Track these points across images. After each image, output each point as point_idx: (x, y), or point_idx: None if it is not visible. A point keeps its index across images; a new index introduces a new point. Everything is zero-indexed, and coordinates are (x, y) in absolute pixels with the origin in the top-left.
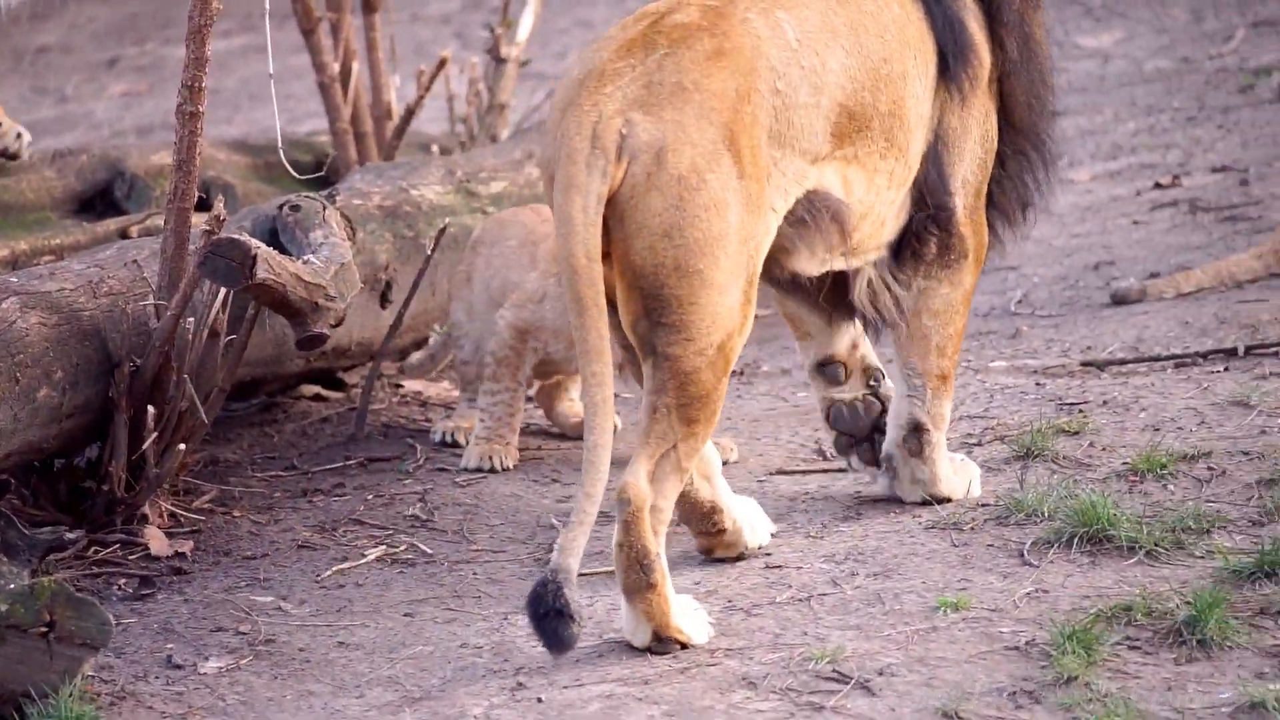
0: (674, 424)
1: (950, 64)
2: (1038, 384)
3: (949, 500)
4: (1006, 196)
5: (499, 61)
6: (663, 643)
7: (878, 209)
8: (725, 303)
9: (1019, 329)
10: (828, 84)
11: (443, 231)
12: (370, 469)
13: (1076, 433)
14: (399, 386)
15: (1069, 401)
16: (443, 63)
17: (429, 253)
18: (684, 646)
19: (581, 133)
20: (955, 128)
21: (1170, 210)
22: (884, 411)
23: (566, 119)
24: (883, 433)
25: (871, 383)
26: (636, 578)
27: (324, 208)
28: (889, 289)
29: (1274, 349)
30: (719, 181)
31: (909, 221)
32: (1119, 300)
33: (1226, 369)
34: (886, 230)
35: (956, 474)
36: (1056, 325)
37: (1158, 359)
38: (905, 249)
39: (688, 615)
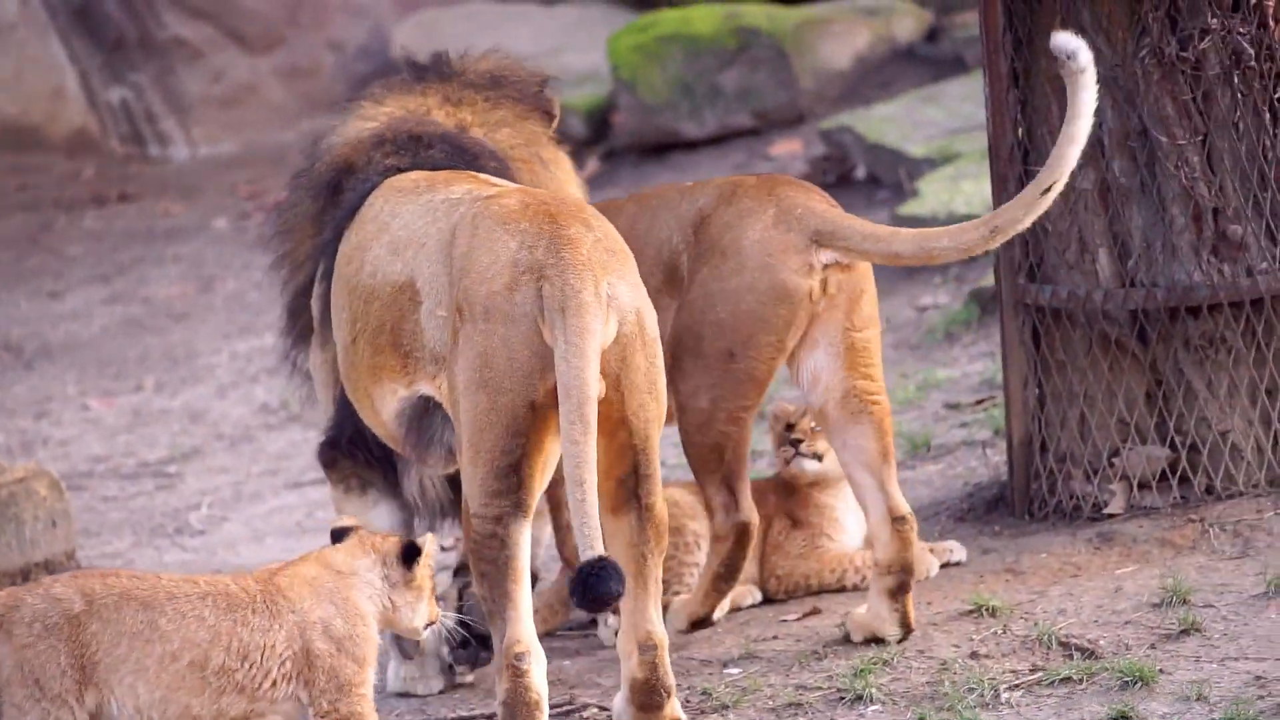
0: (658, 566)
1: None
2: None
3: None
4: None
5: None
6: None
7: None
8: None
9: None
10: None
11: None
12: None
13: None
14: None
15: None
16: None
17: None
18: None
19: (587, 287)
20: None
21: None
22: None
23: (563, 273)
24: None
25: None
26: (659, 699)
27: None
28: None
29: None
30: (660, 342)
31: None
32: None
33: None
34: None
35: None
36: None
37: None
38: None
39: None
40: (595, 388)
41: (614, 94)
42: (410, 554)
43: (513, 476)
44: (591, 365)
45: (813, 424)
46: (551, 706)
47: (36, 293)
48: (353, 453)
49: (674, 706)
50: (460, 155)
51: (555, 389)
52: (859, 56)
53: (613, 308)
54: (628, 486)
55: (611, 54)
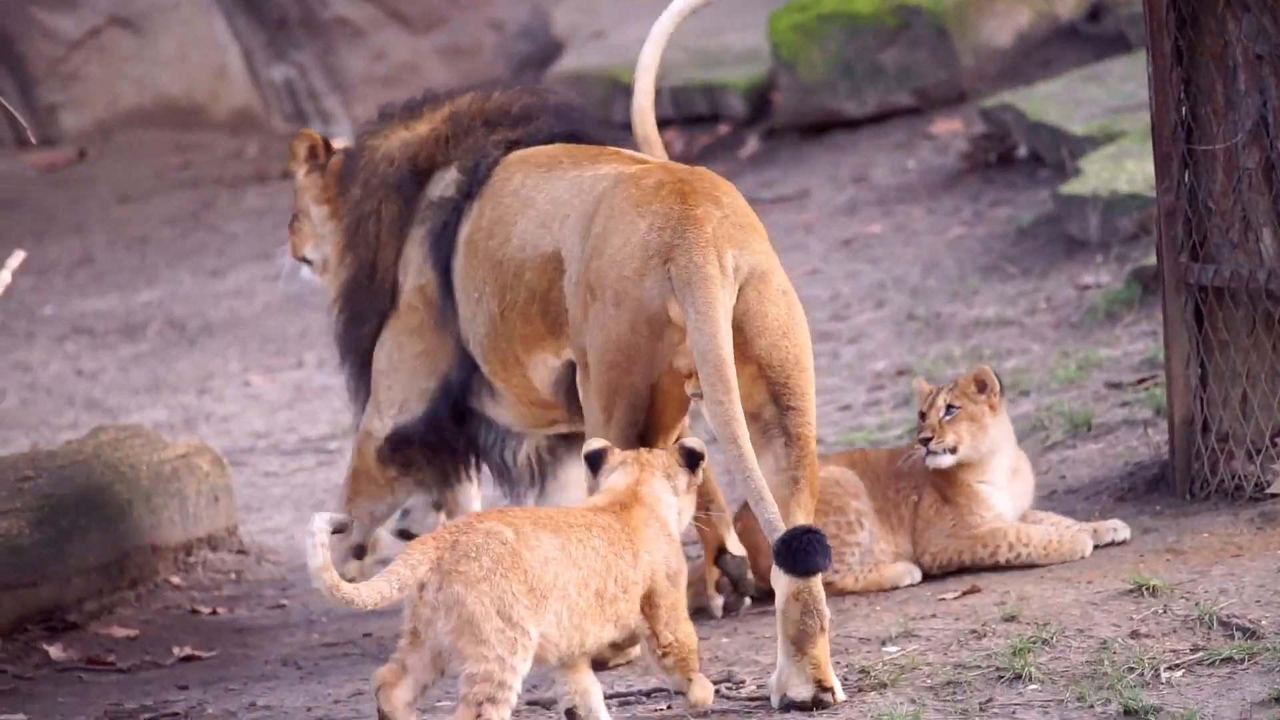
0: (811, 494)
1: None
2: None
3: None
4: None
5: None
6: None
7: None
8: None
9: None
10: None
11: None
12: None
13: None
14: None
15: None
16: None
17: None
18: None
19: (710, 262)
20: None
21: None
22: None
23: (688, 252)
24: None
25: None
26: (810, 627)
27: None
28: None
29: None
30: (793, 292)
31: None
32: None
33: None
34: None
35: None
36: None
37: None
38: None
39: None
40: (729, 351)
41: (774, 73)
42: (694, 459)
43: (636, 440)
44: (722, 329)
45: (946, 403)
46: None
47: (199, 270)
48: (434, 443)
49: (825, 651)
50: (564, 121)
51: (672, 367)
52: (1021, 35)
53: (737, 276)
54: (764, 417)
55: (772, 33)
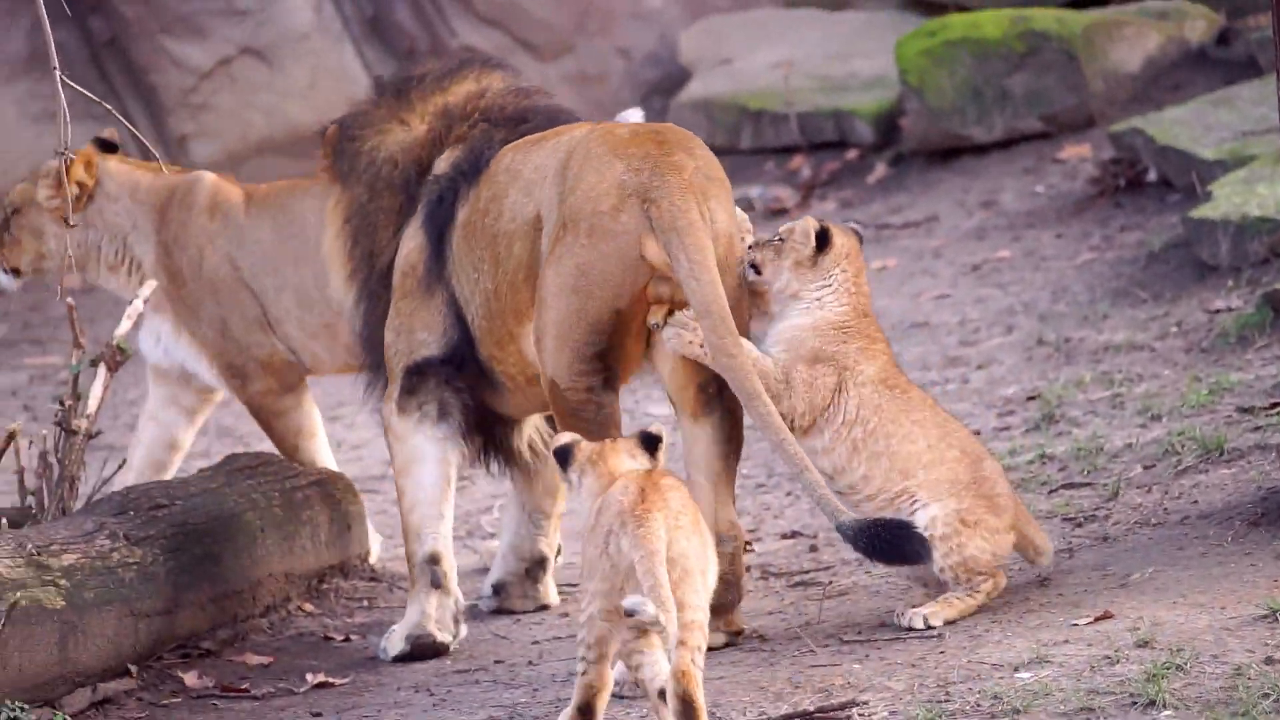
0: (736, 466)
1: None
2: None
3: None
4: None
5: (69, 434)
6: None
7: None
8: None
9: None
10: None
11: (14, 606)
12: None
13: None
14: None
15: None
16: (11, 435)
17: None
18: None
19: (692, 208)
20: None
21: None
22: None
23: (669, 195)
24: None
25: None
26: (731, 597)
27: None
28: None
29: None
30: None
31: None
32: None
33: None
34: None
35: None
36: None
37: None
38: None
39: None
40: (725, 299)
41: (902, 99)
42: (652, 443)
43: (598, 361)
44: (718, 278)
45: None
46: (837, 707)
47: None
48: (446, 374)
49: (740, 615)
50: (552, 122)
51: (641, 296)
52: (1149, 59)
53: (712, 228)
54: (708, 392)
55: (899, 59)
